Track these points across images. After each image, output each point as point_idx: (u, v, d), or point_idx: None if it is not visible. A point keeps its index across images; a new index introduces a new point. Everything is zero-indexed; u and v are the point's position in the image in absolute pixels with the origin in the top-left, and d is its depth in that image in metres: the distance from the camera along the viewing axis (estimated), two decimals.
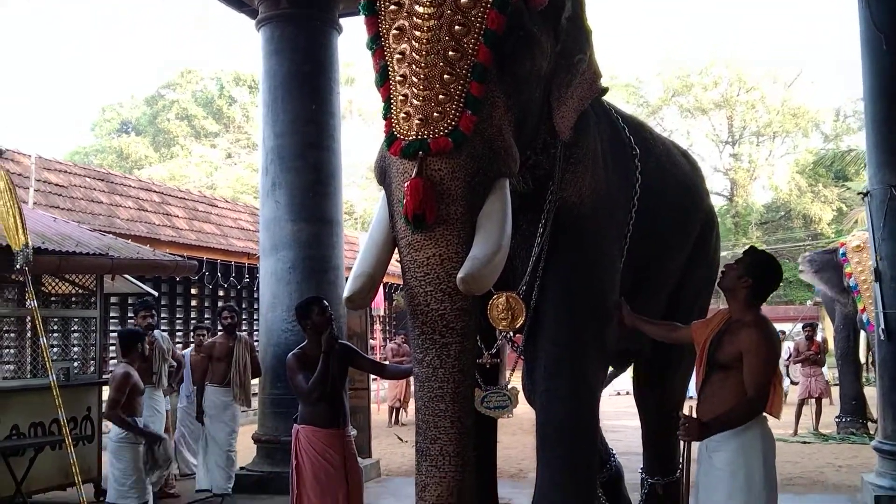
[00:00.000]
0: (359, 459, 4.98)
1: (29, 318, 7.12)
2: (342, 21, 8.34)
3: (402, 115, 3.15)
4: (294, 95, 7.86)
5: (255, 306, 15.23)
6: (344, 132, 8.60)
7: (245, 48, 41.29)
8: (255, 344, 8.71)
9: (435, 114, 3.09)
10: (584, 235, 3.93)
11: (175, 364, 7.63)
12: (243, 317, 15.42)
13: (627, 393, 13.76)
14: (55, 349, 7.92)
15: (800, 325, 12.36)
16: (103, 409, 5.38)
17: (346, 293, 3.32)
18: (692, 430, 3.61)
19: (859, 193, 7.87)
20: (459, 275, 2.97)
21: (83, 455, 6.98)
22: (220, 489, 7.16)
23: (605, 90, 4.00)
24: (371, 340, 13.23)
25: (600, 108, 4.26)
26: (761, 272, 3.78)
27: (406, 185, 3.06)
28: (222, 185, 30.43)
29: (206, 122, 34.71)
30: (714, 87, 34.42)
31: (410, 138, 3.10)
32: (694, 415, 3.78)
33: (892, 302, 6.45)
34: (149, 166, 32.56)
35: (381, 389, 15.28)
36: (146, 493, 5.56)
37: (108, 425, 6.74)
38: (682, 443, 3.90)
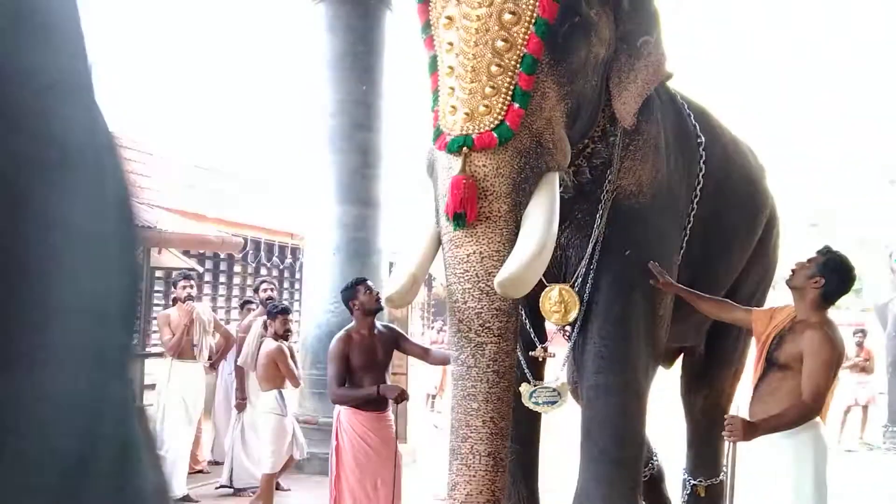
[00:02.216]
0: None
1: None
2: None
3: (449, 108, 3.06)
4: (343, 76, 7.82)
5: (297, 287, 15.31)
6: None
7: (292, 27, 41.43)
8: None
9: (481, 108, 3.00)
10: (641, 227, 3.82)
11: (217, 338, 7.25)
12: (283, 297, 15.50)
13: (665, 390, 13.64)
14: None
15: (849, 331, 12.06)
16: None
17: (385, 292, 3.30)
18: (737, 430, 3.49)
19: None
20: (497, 278, 2.90)
21: None
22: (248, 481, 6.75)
23: (670, 75, 3.87)
24: (410, 327, 13.21)
25: (665, 93, 4.11)
26: (835, 273, 3.63)
27: (447, 182, 3.00)
28: (267, 164, 30.56)
29: (253, 102, 34.91)
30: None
31: (455, 133, 3.02)
32: (745, 413, 3.67)
33: None
34: (196, 143, 32.83)
35: (418, 377, 15.26)
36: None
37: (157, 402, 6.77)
38: (727, 443, 3.79)
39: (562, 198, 3.60)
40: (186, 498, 6.32)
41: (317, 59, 8.03)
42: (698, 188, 4.14)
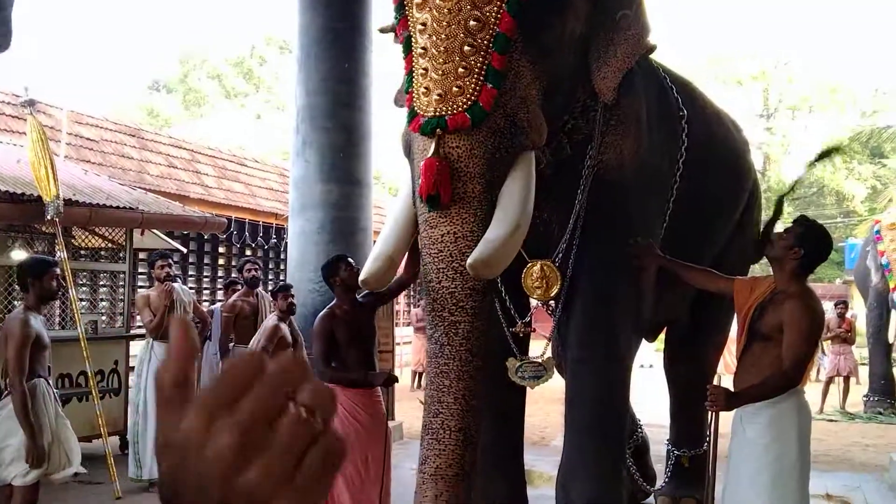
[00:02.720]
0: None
1: (58, 269, 7.14)
2: None
3: (423, 89, 3.06)
4: (327, 53, 7.76)
5: (282, 267, 15.28)
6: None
7: (277, 7, 41.05)
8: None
9: (454, 88, 3.00)
10: (622, 201, 3.83)
11: (198, 320, 7.20)
12: (269, 277, 15.47)
13: (651, 366, 13.76)
14: (83, 302, 7.95)
15: (830, 304, 12.19)
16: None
17: (362, 275, 3.33)
18: (719, 399, 3.53)
19: None
20: (469, 260, 2.92)
21: (110, 408, 7.04)
22: None
23: (653, 48, 3.86)
24: (395, 304, 13.22)
25: (647, 67, 4.10)
26: (813, 243, 3.66)
27: (421, 164, 3.01)
28: (251, 146, 30.44)
29: (237, 82, 34.68)
30: (752, 59, 33.81)
31: (429, 115, 3.03)
32: (729, 384, 3.72)
33: None
34: (179, 125, 32.63)
35: (404, 354, 15.32)
36: None
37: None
38: (710, 414, 3.84)
39: (544, 174, 3.60)
40: None
41: (298, 36, 7.97)
42: (681, 161, 4.15)
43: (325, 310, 4.72)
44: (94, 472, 6.31)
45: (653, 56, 4.02)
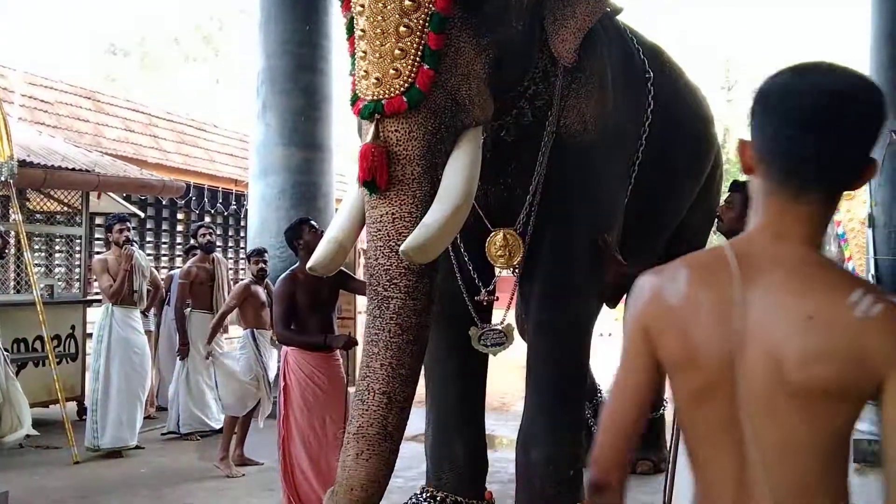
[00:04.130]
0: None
1: (13, 232, 7.01)
2: None
3: (362, 72, 3.04)
4: (287, 15, 7.65)
5: (242, 234, 15.16)
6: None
7: None
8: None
9: (391, 71, 2.98)
10: (586, 165, 3.82)
11: (150, 287, 6.98)
12: (229, 244, 15.36)
13: (610, 335, 13.90)
14: (39, 267, 7.81)
15: None
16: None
17: (310, 262, 3.36)
18: None
19: None
20: (402, 247, 2.91)
21: (67, 373, 6.95)
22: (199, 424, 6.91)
23: (617, 9, 3.81)
24: (359, 270, 13.20)
25: (612, 28, 4.06)
26: None
27: (358, 150, 3.01)
28: (210, 110, 29.96)
29: (196, 46, 34.07)
30: (712, 31, 33.98)
31: (367, 99, 3.01)
32: None
33: (884, 248, 6.45)
34: (137, 88, 32.00)
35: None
36: None
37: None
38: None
39: (505, 141, 3.59)
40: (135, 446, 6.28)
41: None
42: (647, 124, 4.14)
43: (286, 272, 4.69)
44: (52, 438, 6.25)
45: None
